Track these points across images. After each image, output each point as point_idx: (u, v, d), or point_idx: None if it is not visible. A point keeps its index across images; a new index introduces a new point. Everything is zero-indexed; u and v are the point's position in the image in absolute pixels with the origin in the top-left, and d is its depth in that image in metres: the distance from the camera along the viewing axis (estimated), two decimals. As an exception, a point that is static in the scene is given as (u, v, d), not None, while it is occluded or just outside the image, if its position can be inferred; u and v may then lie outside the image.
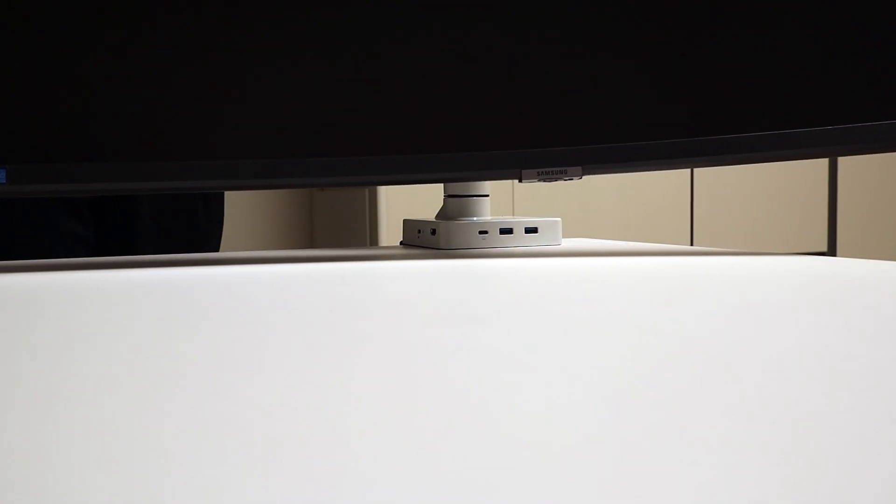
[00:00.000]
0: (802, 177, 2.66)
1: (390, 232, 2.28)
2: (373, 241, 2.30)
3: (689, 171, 2.56)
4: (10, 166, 0.56)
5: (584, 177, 0.63)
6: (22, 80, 0.58)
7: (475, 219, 0.72)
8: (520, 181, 0.63)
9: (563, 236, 0.75)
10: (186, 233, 0.90)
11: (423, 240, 0.73)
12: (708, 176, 2.57)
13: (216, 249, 0.94)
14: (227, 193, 0.96)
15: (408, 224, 0.77)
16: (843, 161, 2.70)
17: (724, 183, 2.59)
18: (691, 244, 2.49)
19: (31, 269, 0.55)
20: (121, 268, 0.54)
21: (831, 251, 2.67)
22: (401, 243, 0.78)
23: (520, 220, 0.72)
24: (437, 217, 0.75)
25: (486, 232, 0.70)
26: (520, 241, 0.71)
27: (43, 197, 0.78)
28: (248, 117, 0.62)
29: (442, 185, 0.74)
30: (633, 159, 0.62)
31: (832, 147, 0.63)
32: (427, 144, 0.63)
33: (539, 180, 0.62)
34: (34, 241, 0.76)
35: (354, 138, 0.63)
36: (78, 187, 0.58)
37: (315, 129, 0.63)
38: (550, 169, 0.62)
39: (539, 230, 0.72)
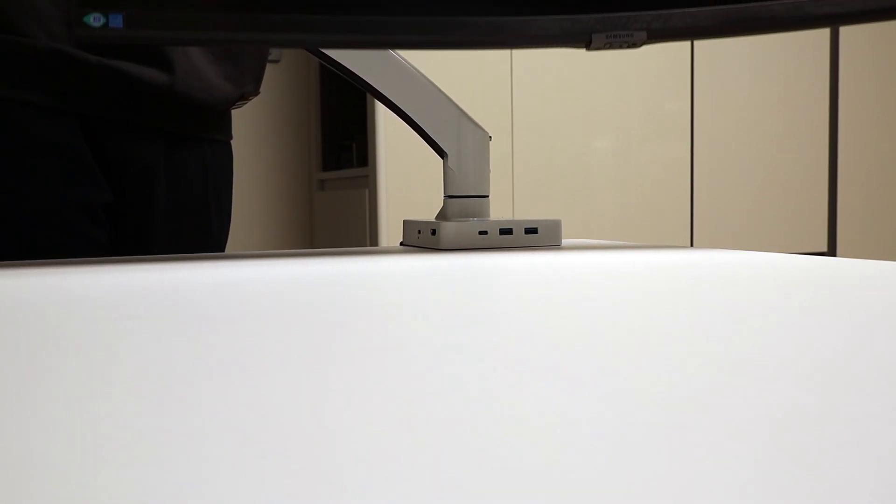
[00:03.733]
0: (802, 177, 2.66)
1: (390, 232, 2.28)
2: (373, 241, 2.30)
3: (688, 171, 2.57)
4: (127, 12, 0.57)
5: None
6: None
7: (475, 219, 0.72)
8: (587, 48, 0.63)
9: (564, 236, 0.75)
10: (199, 238, 0.90)
11: (423, 240, 0.73)
12: (708, 176, 2.57)
13: (222, 250, 0.94)
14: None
15: (408, 224, 0.77)
16: (842, 161, 2.70)
17: (724, 183, 2.60)
18: (691, 244, 2.49)
19: (42, 266, 0.55)
20: (123, 264, 0.54)
21: (831, 251, 2.67)
22: (401, 244, 0.78)
23: (520, 221, 0.72)
24: (436, 217, 0.75)
25: (485, 232, 0.70)
26: (520, 241, 0.72)
27: (161, 45, 0.77)
28: None
29: (442, 185, 0.74)
30: (695, 24, 0.62)
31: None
32: (493, 8, 0.62)
33: (605, 47, 0.62)
34: (49, 244, 0.77)
35: None
36: (192, 35, 0.58)
37: None
38: (618, 33, 0.62)
39: (539, 230, 0.72)
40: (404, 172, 2.27)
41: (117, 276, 0.49)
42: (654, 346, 0.24)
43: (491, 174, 0.75)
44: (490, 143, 0.76)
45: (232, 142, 0.96)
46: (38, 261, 0.63)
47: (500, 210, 2.38)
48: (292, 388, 0.19)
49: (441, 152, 0.74)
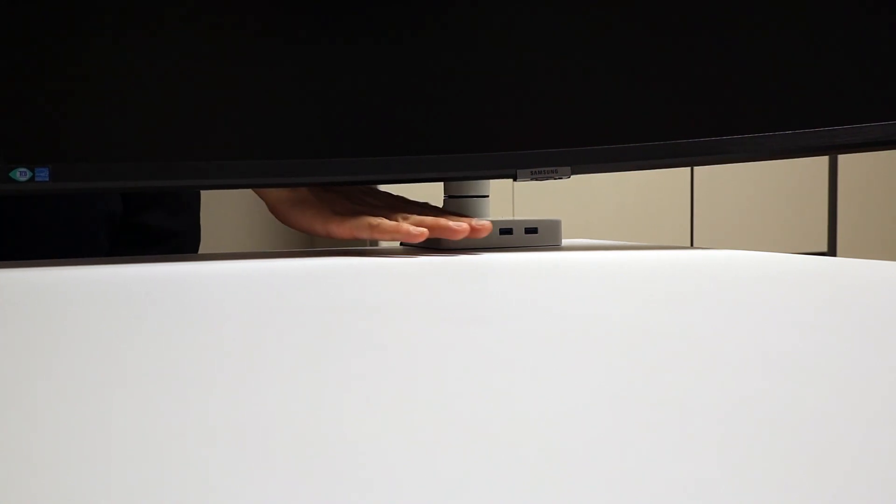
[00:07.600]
0: (802, 177, 2.66)
1: (390, 232, 2.27)
2: (373, 241, 2.30)
3: (689, 171, 2.56)
4: (53, 165, 0.59)
5: (576, 176, 0.68)
6: (65, 84, 0.61)
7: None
8: (514, 180, 0.66)
9: (564, 236, 0.75)
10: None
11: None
12: (708, 176, 2.57)
13: (193, 245, 0.93)
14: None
15: (408, 224, 0.77)
16: (843, 161, 2.70)
17: (724, 183, 2.59)
18: (691, 244, 2.49)
19: (38, 267, 0.55)
20: (124, 264, 0.55)
21: (831, 251, 2.67)
22: (401, 244, 0.78)
23: (520, 221, 0.72)
24: (437, 217, 0.74)
25: (486, 232, 0.70)
26: (520, 241, 0.71)
27: (88, 192, 0.82)
28: (255, 119, 0.64)
29: (442, 186, 0.74)
30: (616, 160, 0.67)
31: (796, 150, 0.67)
32: (429, 146, 0.66)
33: (532, 179, 0.65)
34: (63, 248, 0.78)
35: (362, 140, 0.65)
36: (114, 185, 0.62)
37: (320, 130, 0.65)
38: (542, 169, 0.66)
39: (539, 230, 0.72)
40: (404, 172, 2.27)
41: (120, 272, 0.49)
42: (655, 346, 0.24)
43: (491, 174, 0.75)
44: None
45: None
46: (36, 261, 0.63)
47: (500, 210, 2.38)
48: (291, 388, 0.19)
49: (441, 152, 0.74)
